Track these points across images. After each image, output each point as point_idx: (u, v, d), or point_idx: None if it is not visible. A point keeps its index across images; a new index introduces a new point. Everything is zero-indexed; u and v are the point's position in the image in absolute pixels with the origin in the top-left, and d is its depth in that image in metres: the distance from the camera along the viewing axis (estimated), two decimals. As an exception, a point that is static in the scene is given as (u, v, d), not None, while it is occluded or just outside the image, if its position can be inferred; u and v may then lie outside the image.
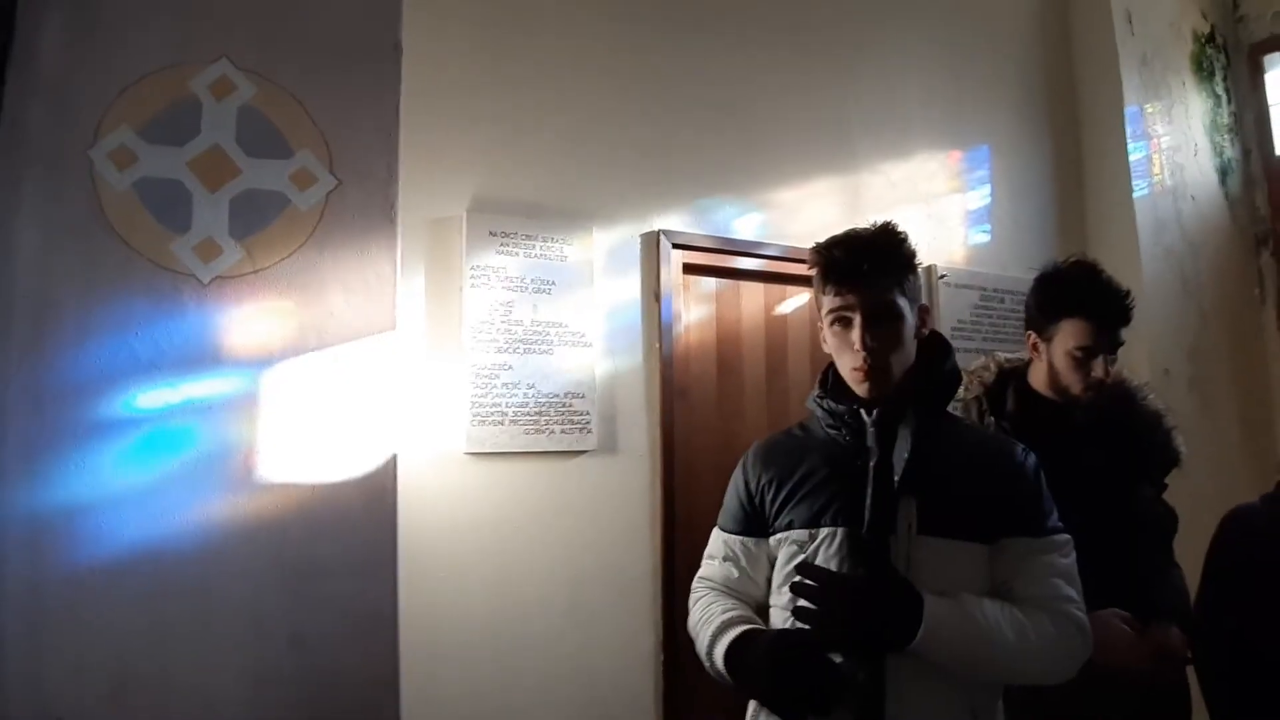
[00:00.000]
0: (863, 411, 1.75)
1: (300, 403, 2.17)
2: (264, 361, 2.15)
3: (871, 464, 1.70)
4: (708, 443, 3.49)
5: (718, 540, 1.95)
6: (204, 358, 2.10)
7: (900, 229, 1.79)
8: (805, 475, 1.80)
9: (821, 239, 1.81)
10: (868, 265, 1.72)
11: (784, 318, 3.81)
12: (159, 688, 1.97)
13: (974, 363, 2.58)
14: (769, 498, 1.84)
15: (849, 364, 1.76)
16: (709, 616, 1.80)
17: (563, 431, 3.13)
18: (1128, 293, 2.31)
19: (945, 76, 4.40)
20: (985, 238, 4.45)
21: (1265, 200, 5.27)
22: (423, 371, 2.93)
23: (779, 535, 1.81)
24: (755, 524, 1.88)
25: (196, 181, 2.14)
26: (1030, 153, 4.72)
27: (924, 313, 1.82)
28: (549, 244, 3.18)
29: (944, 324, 4.09)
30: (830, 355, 1.84)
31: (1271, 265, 5.23)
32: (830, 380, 1.86)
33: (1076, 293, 2.31)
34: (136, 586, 1.97)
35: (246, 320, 2.15)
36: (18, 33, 2.04)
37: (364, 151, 2.31)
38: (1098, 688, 1.99)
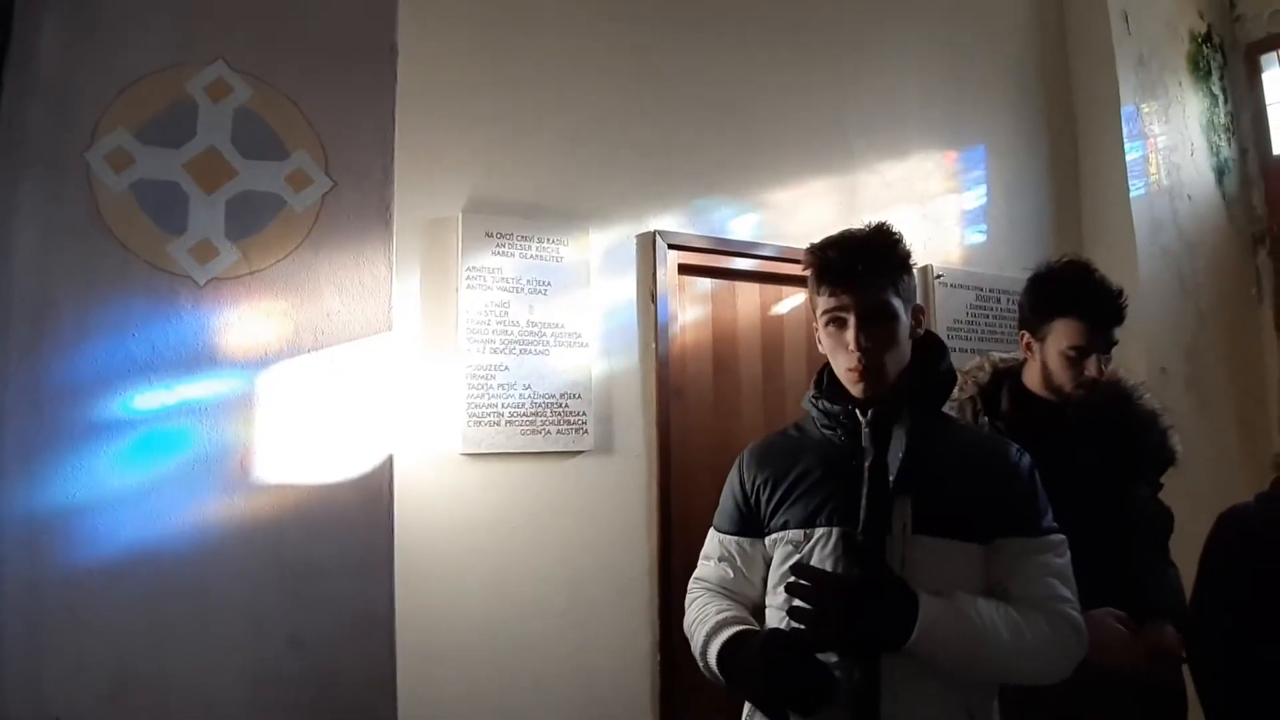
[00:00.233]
0: (858, 412, 1.75)
1: (296, 404, 2.18)
2: (260, 363, 2.16)
3: (866, 464, 1.71)
4: (704, 443, 3.49)
5: (713, 541, 1.95)
6: (200, 359, 2.10)
7: (895, 229, 1.79)
8: (800, 475, 1.80)
9: (817, 239, 1.81)
10: (862, 266, 1.72)
11: (780, 318, 3.82)
12: (157, 688, 1.97)
13: (969, 362, 2.58)
14: (764, 498, 1.84)
15: (844, 364, 1.76)
16: (704, 617, 1.81)
17: (559, 432, 3.13)
18: (1120, 292, 2.31)
19: (942, 77, 4.40)
20: (981, 238, 4.46)
21: (1262, 200, 5.28)
22: (419, 372, 2.93)
23: (774, 535, 1.81)
24: (751, 524, 1.88)
25: (193, 183, 2.15)
26: (1026, 152, 4.72)
27: (919, 313, 1.82)
28: (545, 245, 3.18)
29: (940, 324, 4.10)
30: (825, 356, 1.85)
31: (1268, 264, 5.23)
32: (825, 381, 1.86)
33: (1069, 292, 2.31)
34: (134, 587, 1.98)
35: (243, 321, 2.15)
36: (15, 34, 2.04)
37: (360, 153, 2.32)
38: (1093, 688, 1.99)
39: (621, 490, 3.27)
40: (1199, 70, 5.16)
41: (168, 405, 2.06)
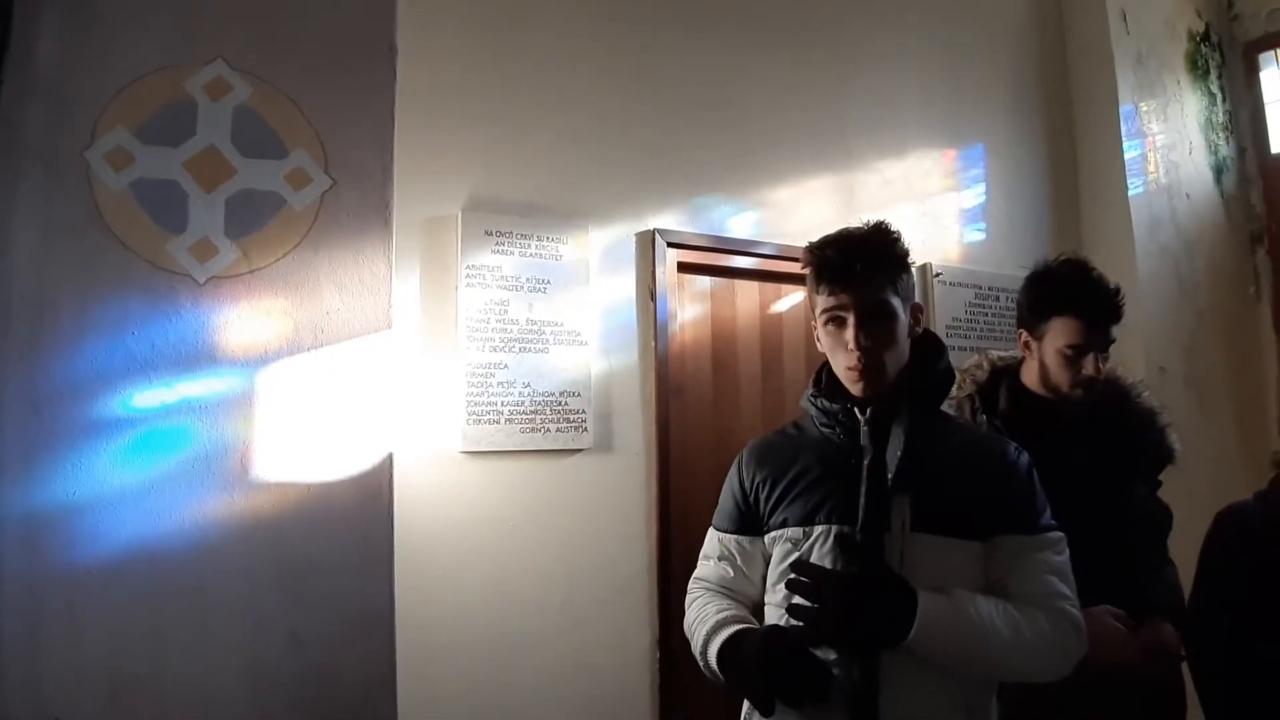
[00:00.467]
0: (857, 410, 1.75)
1: (296, 402, 2.18)
2: (260, 361, 2.16)
3: (865, 462, 1.71)
4: (703, 441, 3.50)
5: (713, 540, 1.96)
6: (200, 357, 2.10)
7: (893, 228, 1.79)
8: (799, 474, 1.80)
9: (816, 238, 1.81)
10: (861, 265, 1.72)
11: (779, 316, 3.82)
12: (156, 686, 1.97)
13: (967, 361, 2.58)
14: (763, 496, 1.85)
15: (843, 363, 1.76)
16: (704, 617, 1.81)
17: (558, 430, 3.14)
18: (1118, 290, 2.31)
19: (941, 75, 4.41)
20: (980, 236, 4.46)
21: (1260, 198, 5.28)
22: (418, 370, 2.93)
23: (773, 534, 1.81)
24: (750, 523, 1.88)
25: (192, 182, 2.15)
26: (1025, 151, 4.73)
27: (917, 311, 1.82)
28: (544, 243, 3.18)
29: (939, 322, 4.10)
30: (824, 354, 1.85)
31: (1266, 263, 5.23)
32: (824, 379, 1.86)
33: (1067, 291, 2.31)
34: (134, 585, 1.98)
35: (242, 320, 2.15)
36: (14, 33, 2.04)
37: (359, 151, 2.32)
38: (1091, 686, 1.99)
39: (621, 488, 3.27)
40: (1197, 69, 5.16)
41: (167, 403, 2.06)
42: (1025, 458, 1.80)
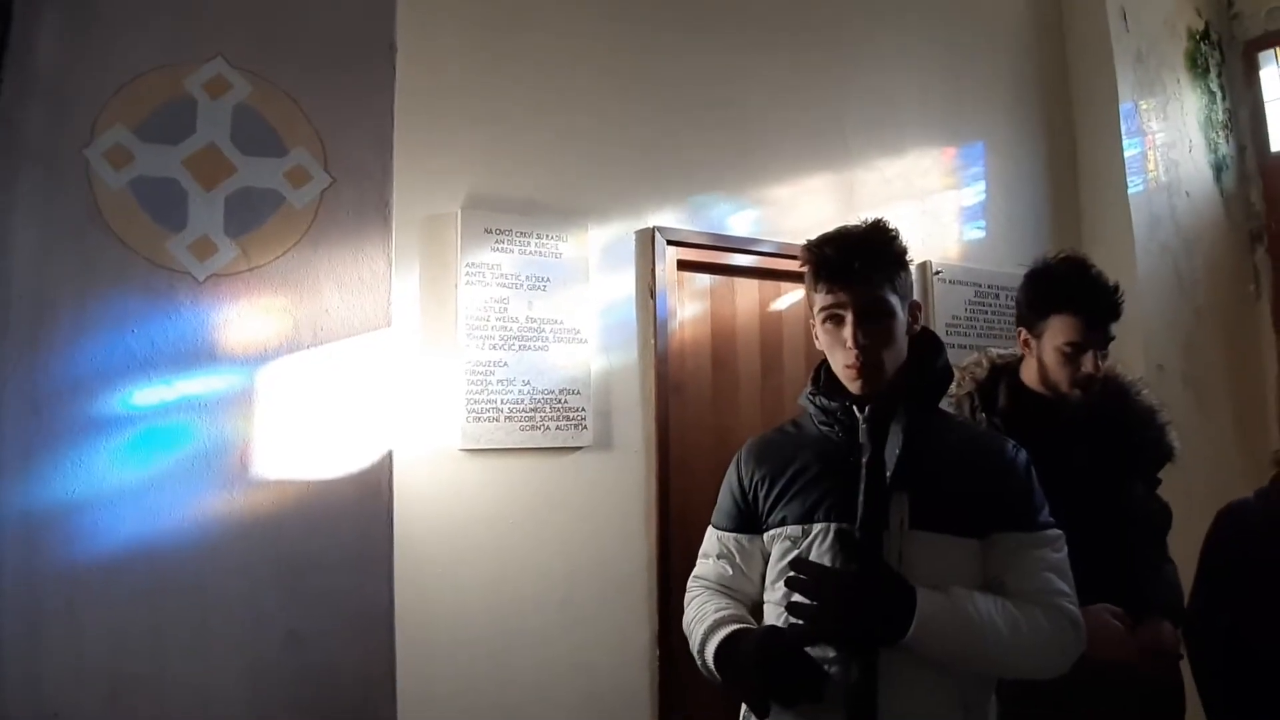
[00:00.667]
0: (855, 408, 1.76)
1: (295, 400, 2.18)
2: (259, 359, 2.16)
3: (864, 460, 1.71)
4: (703, 438, 3.50)
5: (712, 538, 1.96)
6: (200, 355, 2.11)
7: (891, 226, 1.79)
8: (798, 472, 1.80)
9: (816, 236, 1.81)
10: (859, 263, 1.72)
11: (779, 314, 3.83)
12: (156, 684, 1.98)
13: (967, 359, 2.58)
14: (762, 494, 1.85)
15: (841, 361, 1.76)
16: (702, 615, 1.81)
17: (558, 428, 3.14)
18: (1117, 288, 2.31)
19: (940, 73, 4.41)
20: (980, 234, 4.46)
21: (1260, 196, 5.28)
22: (418, 368, 2.94)
23: (772, 532, 1.81)
24: (749, 521, 1.88)
25: (192, 180, 2.15)
26: (1025, 149, 4.72)
27: (915, 309, 1.82)
28: (544, 241, 3.18)
29: (939, 320, 4.11)
30: (823, 352, 1.85)
31: (1266, 261, 5.23)
32: (823, 377, 1.86)
33: (1065, 288, 2.31)
34: (133, 583, 1.98)
35: (242, 318, 2.16)
36: (14, 31, 2.04)
37: (359, 149, 2.32)
38: (1090, 684, 1.99)
39: (620, 486, 3.28)
40: (1197, 67, 5.16)
41: (167, 401, 2.07)
42: (1023, 455, 1.80)
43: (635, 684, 3.21)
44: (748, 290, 3.76)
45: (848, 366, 1.74)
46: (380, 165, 2.34)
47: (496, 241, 3.09)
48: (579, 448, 3.20)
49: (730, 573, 1.88)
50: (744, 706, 1.79)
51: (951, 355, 1.88)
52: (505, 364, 3.06)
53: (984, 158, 4.54)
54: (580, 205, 3.31)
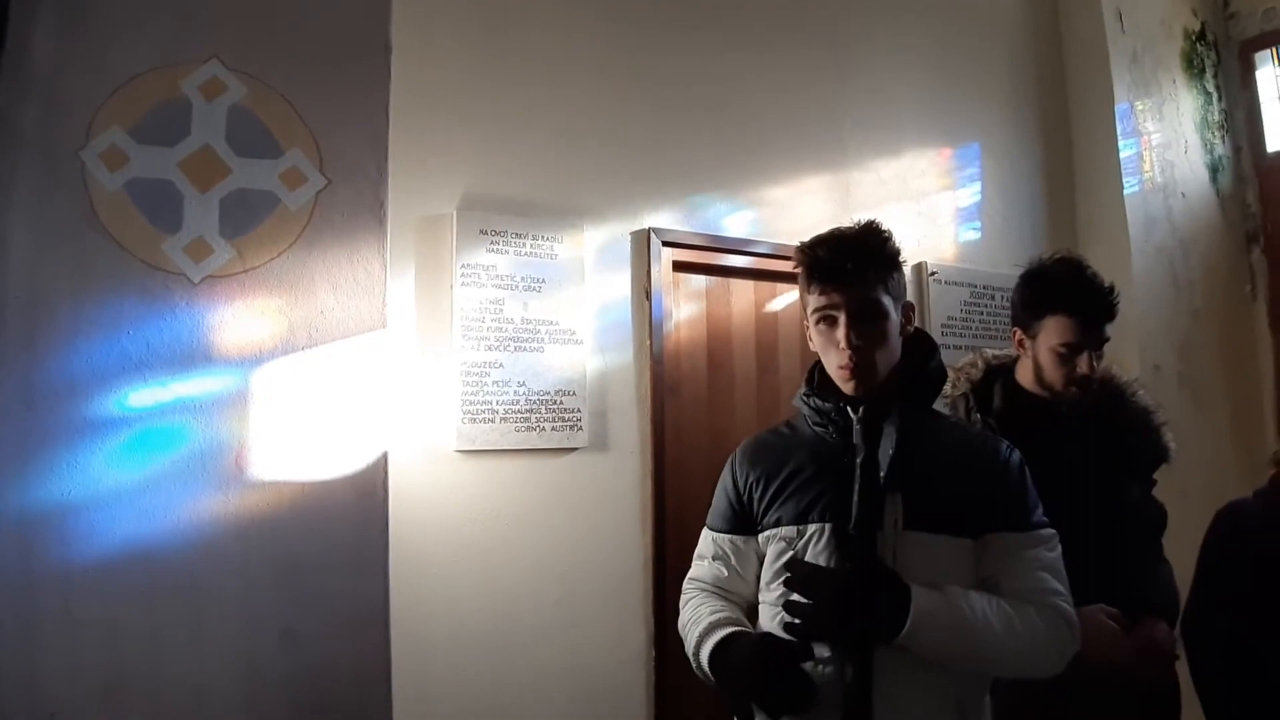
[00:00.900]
0: (849, 409, 1.76)
1: (291, 401, 2.19)
2: (255, 360, 2.17)
3: (858, 461, 1.72)
4: (698, 439, 3.51)
5: (707, 540, 1.97)
6: (195, 356, 2.11)
7: (884, 227, 1.80)
8: (793, 473, 1.81)
9: (810, 237, 1.82)
10: (852, 264, 1.73)
11: (774, 315, 3.83)
12: (151, 683, 1.98)
13: (962, 359, 2.59)
14: (757, 495, 1.85)
15: (835, 362, 1.77)
16: (697, 618, 1.82)
17: (553, 429, 3.14)
18: (1112, 288, 2.31)
19: (937, 75, 4.41)
20: (976, 235, 4.47)
21: (1256, 197, 5.28)
22: (413, 369, 2.94)
23: (767, 532, 1.82)
24: (744, 522, 1.88)
25: (187, 181, 2.15)
26: (1021, 150, 4.73)
27: (909, 310, 1.83)
28: (539, 242, 3.19)
29: (934, 320, 4.11)
30: (817, 353, 1.86)
31: (1262, 262, 5.23)
32: (817, 378, 1.87)
33: (1060, 289, 2.31)
34: (129, 583, 1.99)
35: (237, 319, 2.16)
36: (10, 33, 2.04)
37: (354, 150, 2.32)
38: (1085, 684, 2.00)
39: (616, 487, 3.28)
40: (1193, 68, 5.17)
41: (162, 402, 2.07)
42: (1017, 455, 1.81)
43: (631, 684, 3.21)
44: (743, 291, 3.76)
45: (841, 367, 1.75)
46: (375, 166, 2.34)
47: (492, 242, 3.10)
48: (574, 449, 3.20)
49: (725, 574, 1.88)
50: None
51: (947, 356, 1.89)
52: (501, 365, 3.06)
53: (980, 158, 4.54)
54: (575, 206, 3.31)
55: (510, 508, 3.05)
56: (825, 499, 1.73)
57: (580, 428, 3.19)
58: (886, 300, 1.75)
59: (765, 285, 3.80)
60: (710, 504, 1.99)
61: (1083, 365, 2.29)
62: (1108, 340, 2.33)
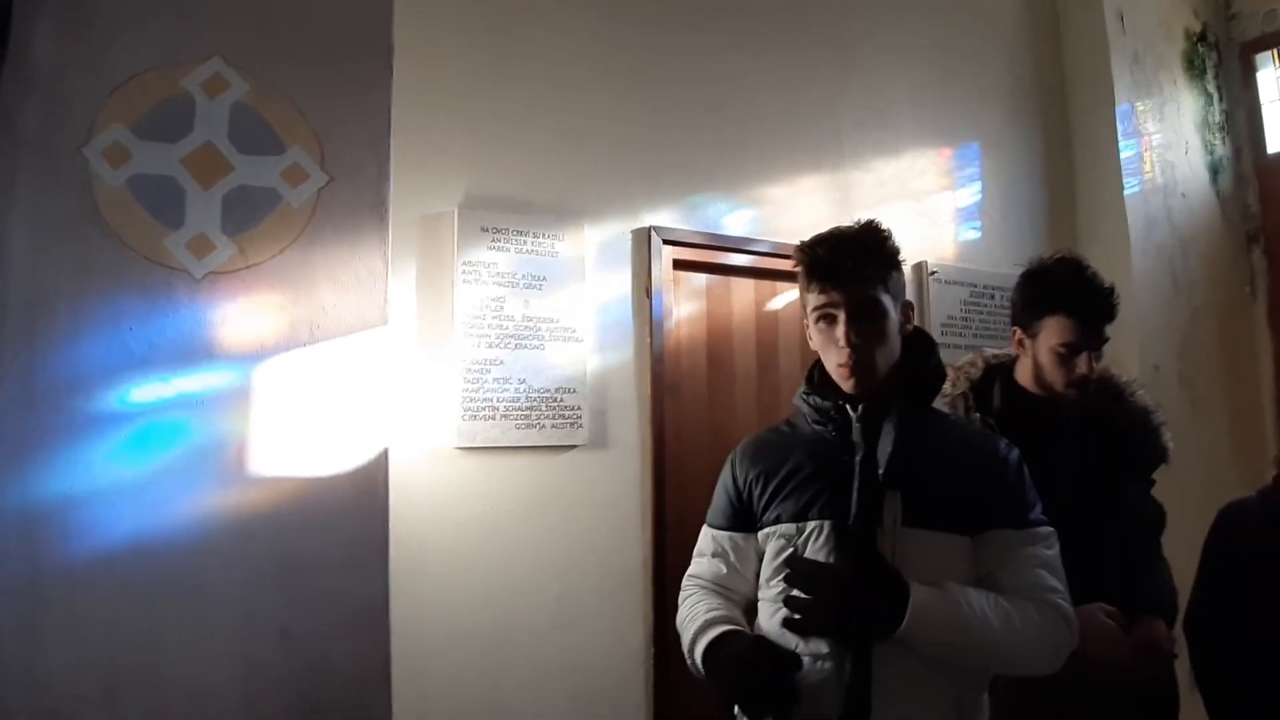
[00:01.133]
0: (848, 407, 1.77)
1: (292, 397, 2.19)
2: (256, 356, 2.17)
3: (857, 459, 1.72)
4: (698, 437, 3.51)
5: (706, 537, 1.97)
6: (197, 353, 2.11)
7: (883, 226, 1.80)
8: (792, 470, 1.82)
9: (810, 236, 1.82)
10: (851, 263, 1.73)
11: (774, 313, 3.83)
12: (152, 679, 1.98)
13: (961, 358, 2.59)
14: (756, 493, 1.86)
15: (834, 360, 1.78)
16: (694, 615, 1.83)
17: (554, 426, 3.15)
18: (1112, 289, 2.31)
19: (936, 74, 4.41)
20: (975, 234, 4.47)
21: (1256, 198, 5.27)
22: (414, 366, 2.94)
23: (767, 530, 1.82)
24: (743, 520, 1.89)
25: (190, 178, 2.15)
26: (1021, 150, 4.73)
27: (908, 309, 1.83)
28: (540, 240, 3.19)
29: (934, 320, 4.12)
30: (817, 352, 1.86)
31: (1262, 262, 5.23)
32: (816, 377, 1.88)
33: (1060, 289, 2.31)
34: (130, 580, 1.99)
35: (239, 315, 2.16)
36: (13, 30, 2.04)
37: (356, 148, 2.32)
38: (1083, 683, 2.00)
39: (616, 484, 3.28)
40: (1194, 69, 5.16)
41: (163, 398, 2.07)
42: (1015, 453, 1.82)
43: (630, 682, 3.22)
44: (743, 290, 3.77)
45: (840, 365, 1.76)
46: (377, 164, 2.34)
47: (493, 240, 3.10)
48: (575, 446, 3.20)
49: (725, 571, 1.89)
50: (736, 707, 1.80)
51: (947, 355, 1.90)
52: (501, 362, 3.07)
53: (980, 158, 4.55)
54: (576, 204, 3.32)
55: (510, 505, 3.06)
56: (825, 496, 1.74)
57: (580, 425, 3.20)
58: (886, 299, 1.75)
59: (765, 284, 3.81)
60: (710, 502, 2.00)
61: (1082, 365, 2.29)
62: (1107, 340, 2.33)
